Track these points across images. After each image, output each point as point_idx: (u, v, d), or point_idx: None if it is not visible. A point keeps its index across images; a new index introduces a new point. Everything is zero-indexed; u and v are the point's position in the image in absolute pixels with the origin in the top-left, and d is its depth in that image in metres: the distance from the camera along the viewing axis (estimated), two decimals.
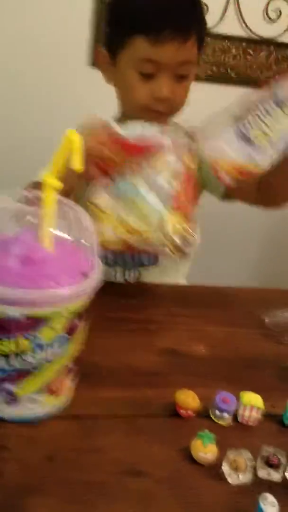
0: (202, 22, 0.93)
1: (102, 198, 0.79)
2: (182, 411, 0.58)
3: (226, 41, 1.72)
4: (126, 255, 0.99)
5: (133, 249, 0.78)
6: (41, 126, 1.60)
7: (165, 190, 0.75)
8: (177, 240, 0.76)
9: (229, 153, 0.73)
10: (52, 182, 0.48)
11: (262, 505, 0.45)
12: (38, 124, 1.62)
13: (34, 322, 0.49)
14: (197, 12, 0.91)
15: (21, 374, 0.51)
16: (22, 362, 0.50)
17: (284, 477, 0.51)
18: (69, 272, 0.51)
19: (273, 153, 0.73)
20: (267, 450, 0.52)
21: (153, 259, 1.00)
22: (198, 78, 1.67)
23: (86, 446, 0.53)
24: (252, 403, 0.58)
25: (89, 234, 0.53)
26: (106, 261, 1.02)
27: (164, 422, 0.57)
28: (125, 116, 1.00)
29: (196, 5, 0.91)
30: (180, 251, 0.76)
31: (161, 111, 0.92)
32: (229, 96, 1.77)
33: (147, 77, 0.89)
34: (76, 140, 0.45)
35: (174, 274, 1.06)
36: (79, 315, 0.52)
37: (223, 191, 0.99)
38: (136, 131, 0.78)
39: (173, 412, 0.59)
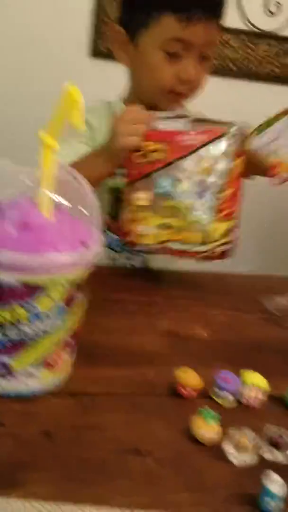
0: (225, 2, 0.92)
1: (143, 197, 0.77)
2: (183, 390, 0.56)
3: (227, 34, 1.70)
4: None
5: (172, 251, 0.77)
6: (41, 119, 1.58)
7: (212, 194, 0.74)
8: (221, 248, 0.75)
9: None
10: (50, 141, 0.46)
11: (267, 484, 0.43)
12: (38, 117, 1.59)
13: (31, 290, 0.47)
14: None
15: (17, 346, 0.49)
16: (18, 333, 0.48)
17: None
18: (68, 240, 0.48)
19: None
20: (271, 430, 0.50)
21: None
22: None
23: (84, 423, 0.51)
24: (255, 383, 0.56)
25: (90, 204, 0.51)
26: (112, 246, 1.00)
27: (164, 401, 0.55)
28: (137, 97, 0.98)
29: None
30: (222, 257, 0.76)
31: (181, 93, 0.92)
32: (229, 89, 1.77)
33: (173, 57, 0.88)
34: (76, 93, 0.43)
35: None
36: (78, 285, 0.50)
37: None
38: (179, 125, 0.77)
39: (174, 391, 0.56)
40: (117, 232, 0.98)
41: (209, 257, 0.77)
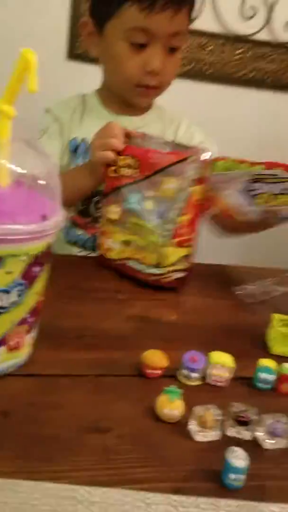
0: None
1: (114, 210, 0.77)
2: (148, 371, 0.55)
3: (203, 37, 1.72)
4: None
5: (133, 271, 0.77)
6: (18, 120, 1.57)
7: (171, 217, 0.73)
8: (173, 275, 0.75)
9: (231, 195, 0.74)
10: (7, 109, 0.45)
11: (230, 458, 0.42)
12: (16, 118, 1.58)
13: None
14: None
15: None
16: None
17: (253, 436, 0.48)
18: (27, 212, 0.47)
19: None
20: (237, 407, 0.49)
21: None
22: None
23: (44, 402, 0.49)
24: (222, 361, 0.55)
25: (50, 175, 0.50)
26: (81, 243, 0.99)
27: (129, 382, 0.54)
28: (110, 91, 0.97)
29: None
30: (174, 285, 0.75)
31: (150, 86, 0.90)
32: (205, 92, 1.78)
33: (138, 48, 0.86)
34: (32, 58, 0.42)
35: None
36: (38, 261, 0.49)
37: None
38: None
39: (140, 372, 0.55)
40: (85, 228, 0.97)
41: (160, 282, 0.75)
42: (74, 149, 0.97)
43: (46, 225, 0.48)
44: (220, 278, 0.84)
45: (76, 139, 0.97)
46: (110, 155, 0.76)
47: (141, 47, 0.86)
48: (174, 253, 0.74)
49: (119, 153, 0.76)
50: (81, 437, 0.45)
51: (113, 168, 0.77)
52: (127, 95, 0.93)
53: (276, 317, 0.64)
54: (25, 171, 0.48)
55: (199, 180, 0.73)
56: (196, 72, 1.75)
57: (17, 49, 0.42)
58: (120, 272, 0.79)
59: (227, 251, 1.58)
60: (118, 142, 0.76)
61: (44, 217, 0.48)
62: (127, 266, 0.78)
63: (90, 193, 0.89)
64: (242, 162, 0.74)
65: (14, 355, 0.52)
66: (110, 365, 0.56)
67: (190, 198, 0.73)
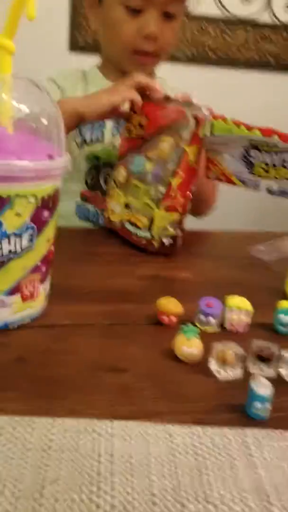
0: None
1: (121, 173, 0.76)
2: (164, 317, 0.53)
3: (204, 22, 1.71)
4: None
5: (128, 235, 0.75)
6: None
7: (164, 180, 0.71)
8: (162, 240, 0.73)
9: (229, 160, 0.71)
10: (7, 43, 0.44)
11: (255, 387, 0.40)
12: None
13: None
14: None
15: None
16: None
17: (278, 372, 0.46)
18: (33, 152, 0.46)
19: (255, 189, 0.72)
20: (259, 343, 0.47)
21: None
22: (177, 60, 1.68)
23: (59, 348, 0.48)
24: (240, 305, 0.53)
25: (53, 117, 0.49)
26: (90, 218, 0.98)
27: (143, 329, 0.53)
28: (109, 61, 0.97)
29: None
30: (162, 251, 0.73)
31: (147, 52, 0.89)
32: (209, 77, 1.77)
33: (134, 12, 0.85)
34: None
35: None
36: (46, 205, 0.48)
37: None
38: None
39: (155, 320, 0.54)
40: (95, 203, 0.96)
41: (149, 247, 0.73)
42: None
43: (53, 164, 0.47)
44: (230, 240, 0.83)
45: None
46: (125, 105, 0.74)
47: (137, 12, 0.85)
48: (163, 218, 0.72)
49: (134, 111, 0.75)
50: (98, 377, 0.44)
51: (127, 127, 0.76)
52: (125, 63, 0.92)
53: None
54: (28, 110, 0.47)
55: (194, 139, 0.70)
56: (199, 57, 1.74)
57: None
58: (120, 235, 0.77)
59: (237, 218, 1.57)
60: (138, 97, 0.74)
61: (50, 157, 0.47)
62: (124, 229, 0.76)
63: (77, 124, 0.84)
64: (239, 124, 0.70)
65: (29, 305, 0.51)
66: (122, 315, 0.55)
67: (183, 159, 0.70)
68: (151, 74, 1.00)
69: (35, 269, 0.50)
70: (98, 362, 0.46)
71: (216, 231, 0.87)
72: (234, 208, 1.78)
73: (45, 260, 0.51)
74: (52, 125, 0.48)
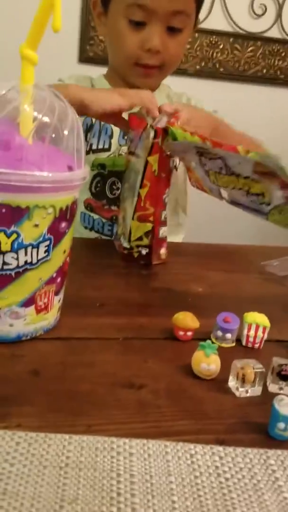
0: None
1: (125, 187, 0.76)
2: (180, 333, 0.52)
3: (214, 36, 1.72)
4: None
5: (119, 245, 0.77)
6: None
7: (136, 191, 0.72)
8: (138, 250, 0.73)
9: (195, 167, 0.69)
10: (30, 54, 0.43)
11: (279, 408, 0.39)
12: None
13: (14, 214, 0.43)
14: None
15: (2, 281, 0.46)
16: (2, 265, 0.45)
17: None
18: (53, 163, 0.45)
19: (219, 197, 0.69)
20: (279, 361, 0.46)
21: None
22: (186, 74, 1.69)
23: (75, 361, 0.47)
24: (257, 321, 0.52)
25: (74, 129, 0.48)
26: (96, 228, 0.97)
27: (159, 344, 0.52)
28: (114, 70, 0.96)
29: None
30: (141, 260, 0.74)
31: (150, 65, 0.88)
32: (217, 90, 1.78)
33: (138, 25, 0.84)
34: None
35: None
36: (64, 216, 0.47)
37: None
38: None
39: (171, 335, 0.53)
40: (100, 212, 0.96)
41: (130, 257, 0.74)
42: (88, 127, 0.95)
43: (72, 175, 0.46)
44: (244, 254, 0.82)
45: (89, 118, 0.94)
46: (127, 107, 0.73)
47: (141, 25, 0.84)
48: (138, 228, 0.73)
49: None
50: (115, 393, 0.43)
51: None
52: (128, 74, 0.91)
53: None
54: (49, 121, 0.46)
55: (154, 149, 0.70)
56: (208, 70, 1.75)
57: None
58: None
59: (247, 233, 1.57)
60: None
61: (70, 168, 0.47)
62: (118, 241, 0.77)
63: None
64: (189, 132, 0.67)
65: (42, 318, 0.50)
66: (138, 329, 0.54)
67: (147, 169, 0.70)
68: (156, 86, 0.99)
69: (51, 280, 0.49)
70: (115, 377, 0.45)
71: (228, 244, 0.86)
72: (244, 222, 1.78)
73: (61, 271, 0.50)
74: (73, 137, 0.48)
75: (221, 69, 1.77)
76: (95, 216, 0.96)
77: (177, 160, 0.73)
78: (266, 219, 0.61)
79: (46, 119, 0.45)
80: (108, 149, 0.93)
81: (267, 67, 1.79)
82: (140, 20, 0.84)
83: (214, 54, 1.75)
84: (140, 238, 0.73)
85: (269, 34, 1.74)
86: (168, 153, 0.70)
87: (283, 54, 1.79)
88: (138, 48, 0.86)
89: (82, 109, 0.71)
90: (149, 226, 0.72)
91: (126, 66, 0.90)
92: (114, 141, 0.93)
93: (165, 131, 0.69)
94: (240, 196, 0.63)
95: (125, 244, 0.74)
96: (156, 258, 0.74)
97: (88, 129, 0.95)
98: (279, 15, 1.71)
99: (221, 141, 0.62)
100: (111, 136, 0.93)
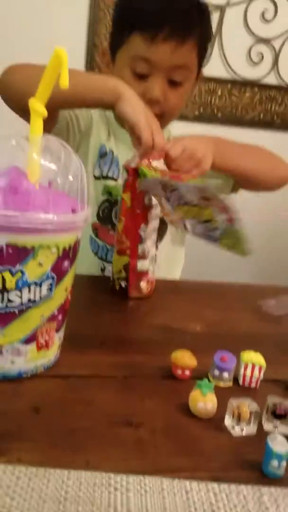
0: (205, 26, 0.91)
1: None
2: (178, 371, 0.53)
3: (212, 82, 1.79)
4: None
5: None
6: None
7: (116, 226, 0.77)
8: (119, 283, 0.77)
9: (166, 204, 0.73)
10: (39, 107, 0.47)
11: (273, 446, 0.40)
12: None
13: (19, 253, 0.46)
14: (200, 16, 0.89)
15: (4, 317, 0.47)
16: (4, 302, 0.46)
17: None
18: (58, 205, 0.48)
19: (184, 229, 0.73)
20: (274, 400, 0.47)
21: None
22: (186, 118, 1.75)
23: (75, 399, 0.48)
24: (253, 361, 0.53)
25: (78, 174, 0.51)
26: (100, 254, 0.99)
27: (157, 382, 0.53)
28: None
29: (200, 9, 0.89)
30: (124, 293, 0.77)
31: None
32: (214, 134, 1.84)
33: (141, 77, 0.88)
34: (64, 56, 0.44)
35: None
36: (67, 254, 0.49)
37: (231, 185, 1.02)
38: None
39: (169, 373, 0.54)
40: (106, 237, 0.98)
41: (113, 289, 0.78)
42: (102, 154, 1.00)
43: (75, 217, 0.49)
44: (241, 293, 0.84)
45: (105, 147, 0.99)
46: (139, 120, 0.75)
47: (144, 76, 0.88)
48: (118, 261, 0.77)
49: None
50: (113, 430, 0.44)
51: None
52: None
53: None
54: (55, 168, 0.49)
55: (127, 187, 0.75)
56: (206, 115, 1.81)
57: None
58: None
59: (242, 270, 1.59)
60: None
61: (73, 211, 0.49)
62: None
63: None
64: (155, 173, 0.72)
65: (43, 355, 0.51)
66: (136, 367, 0.55)
67: (122, 204, 0.75)
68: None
69: (52, 317, 0.51)
70: (113, 415, 0.46)
71: (224, 282, 0.88)
72: (239, 260, 1.81)
73: (62, 309, 0.52)
74: (77, 182, 0.50)
75: (219, 114, 1.83)
76: (100, 242, 0.99)
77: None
78: (219, 245, 0.64)
79: (52, 166, 0.48)
80: (117, 177, 0.98)
81: (264, 112, 1.85)
82: (143, 72, 0.88)
83: (213, 100, 1.82)
84: (120, 271, 0.77)
85: (265, 80, 1.81)
86: (141, 190, 0.74)
87: (279, 100, 1.86)
88: (140, 97, 0.90)
89: (112, 100, 0.76)
90: (126, 259, 0.76)
91: None
92: (123, 170, 0.96)
93: (136, 170, 0.73)
94: (197, 225, 0.66)
95: (111, 276, 0.78)
96: (136, 291, 0.77)
97: (101, 156, 0.99)
98: (275, 63, 1.78)
99: (173, 173, 0.65)
100: (119, 169, 0.98)
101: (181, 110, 0.99)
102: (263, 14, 1.71)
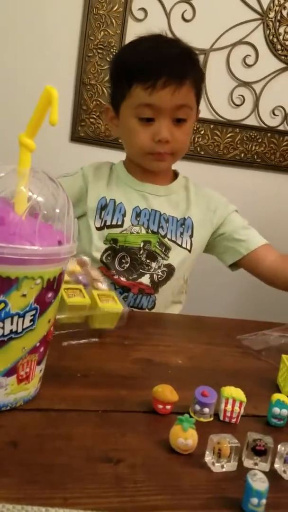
0: (197, 69, 0.99)
1: None
2: (159, 406, 0.53)
3: (196, 123, 1.85)
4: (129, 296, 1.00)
5: None
6: None
7: None
8: None
9: None
10: (28, 142, 0.48)
11: (253, 483, 0.40)
12: None
13: (3, 284, 0.45)
14: (191, 60, 0.98)
15: None
16: None
17: (272, 467, 0.46)
18: (44, 236, 0.48)
19: None
20: (254, 436, 0.47)
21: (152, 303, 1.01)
22: None
23: (53, 434, 0.47)
24: (234, 396, 0.53)
25: (65, 207, 0.52)
26: None
27: (138, 417, 0.52)
28: (132, 162, 1.07)
29: (189, 54, 0.98)
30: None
31: (161, 153, 0.98)
32: (198, 172, 1.88)
33: (147, 121, 0.95)
34: (55, 94, 0.45)
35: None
36: (51, 285, 0.49)
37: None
38: None
39: (149, 408, 0.54)
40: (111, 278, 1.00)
41: None
42: (102, 206, 1.04)
43: (61, 249, 0.49)
44: (222, 327, 0.84)
45: (105, 198, 1.05)
46: None
47: (150, 121, 0.95)
48: None
49: None
50: (92, 467, 0.43)
51: None
52: (143, 162, 1.01)
53: (285, 358, 0.64)
54: (42, 200, 0.50)
55: None
56: (190, 154, 1.85)
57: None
58: None
59: (223, 306, 1.60)
60: None
61: (59, 243, 0.50)
62: None
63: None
64: None
65: (23, 388, 0.51)
66: (117, 401, 0.55)
67: None
68: (168, 168, 1.09)
69: (34, 349, 0.50)
70: (92, 450, 0.45)
71: (206, 317, 0.88)
72: (223, 294, 1.83)
73: (44, 340, 0.52)
74: (63, 214, 0.51)
75: (202, 152, 1.88)
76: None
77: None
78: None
79: (39, 198, 0.49)
80: (121, 226, 1.02)
81: (244, 152, 1.90)
82: (149, 117, 0.95)
83: (196, 139, 1.87)
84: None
85: (246, 122, 1.87)
86: None
87: (259, 140, 1.91)
88: (150, 141, 0.96)
89: None
90: None
91: (141, 156, 1.00)
92: (127, 219, 1.02)
93: None
94: None
95: None
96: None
97: (102, 208, 1.04)
98: (256, 105, 1.84)
99: None
100: (124, 215, 1.03)
101: (188, 145, 1.04)
102: (244, 59, 1.78)
